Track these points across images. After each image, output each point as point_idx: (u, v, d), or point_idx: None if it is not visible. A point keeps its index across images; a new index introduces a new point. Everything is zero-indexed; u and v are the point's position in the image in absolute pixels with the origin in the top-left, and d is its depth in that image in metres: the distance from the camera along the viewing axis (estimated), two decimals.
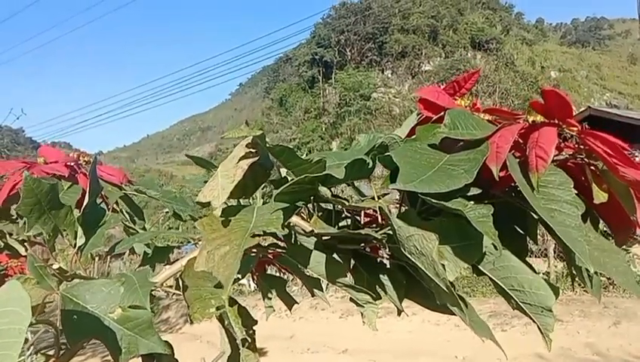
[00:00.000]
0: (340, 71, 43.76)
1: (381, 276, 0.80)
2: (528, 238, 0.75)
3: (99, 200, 0.90)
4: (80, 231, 0.70)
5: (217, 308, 0.58)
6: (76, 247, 0.69)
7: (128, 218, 1.00)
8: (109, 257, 0.90)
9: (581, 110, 17.74)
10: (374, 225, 0.83)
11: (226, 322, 0.62)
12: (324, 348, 6.70)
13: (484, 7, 52.73)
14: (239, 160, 0.65)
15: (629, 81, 57.87)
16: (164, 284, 0.68)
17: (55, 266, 0.66)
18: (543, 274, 7.93)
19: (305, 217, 0.75)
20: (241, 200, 0.75)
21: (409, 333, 6.21)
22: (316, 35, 47.22)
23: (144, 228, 0.99)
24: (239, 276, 0.69)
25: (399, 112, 38.44)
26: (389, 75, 45.37)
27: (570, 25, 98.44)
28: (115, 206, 0.96)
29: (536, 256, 8.29)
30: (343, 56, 45.62)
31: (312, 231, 0.69)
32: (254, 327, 0.82)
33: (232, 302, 0.66)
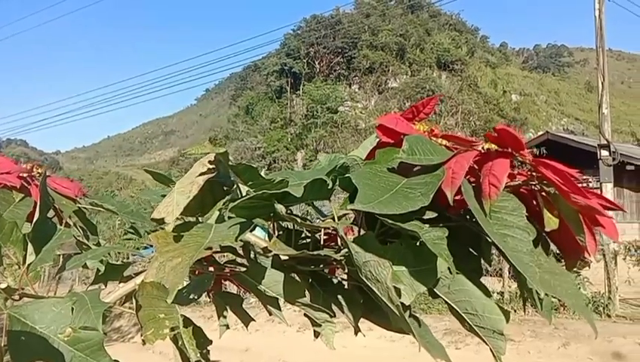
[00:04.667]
0: (308, 83, 43.91)
1: (339, 296, 0.80)
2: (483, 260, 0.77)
3: (52, 214, 0.87)
4: (30, 248, 0.67)
5: (172, 329, 0.57)
6: (26, 265, 0.66)
7: (81, 233, 0.97)
8: (60, 260, 0.87)
9: (539, 134, 18.42)
10: (334, 244, 0.83)
11: (180, 342, 0.61)
12: None
13: (450, 29, 54.11)
14: (197, 176, 0.65)
15: (585, 108, 60.29)
16: (118, 303, 0.67)
17: (3, 286, 0.63)
18: (498, 293, 8.10)
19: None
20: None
21: (364, 348, 6.22)
22: (286, 46, 47.34)
23: (98, 244, 0.97)
24: (196, 297, 0.68)
25: (365, 127, 38.82)
26: (356, 90, 45.87)
27: (532, 50, 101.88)
28: (68, 220, 0.93)
29: (491, 276, 8.47)
30: (311, 68, 45.86)
31: (268, 249, 0.69)
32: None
33: (187, 322, 0.65)
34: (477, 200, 0.62)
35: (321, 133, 38.49)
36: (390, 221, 0.60)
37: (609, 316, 7.40)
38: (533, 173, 0.67)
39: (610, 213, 0.68)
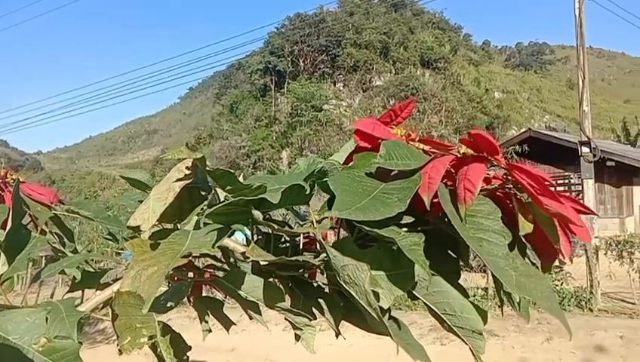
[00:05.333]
0: (292, 81, 43.81)
1: (319, 299, 0.81)
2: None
3: (27, 221, 0.86)
4: (3, 258, 0.66)
5: (149, 338, 0.56)
6: None
7: (57, 240, 0.95)
8: (43, 261, 0.85)
9: (522, 131, 18.65)
10: (314, 247, 0.84)
11: (158, 350, 0.61)
12: (266, 361, 6.63)
13: (434, 27, 54.42)
14: (173, 182, 0.64)
15: (566, 105, 61.19)
16: (95, 311, 0.66)
17: None
18: (482, 289, 8.17)
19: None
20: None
21: (350, 347, 6.22)
22: (270, 44, 47.15)
23: (75, 251, 0.95)
24: (173, 304, 0.68)
25: (349, 125, 38.79)
26: (341, 88, 45.89)
27: (515, 48, 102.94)
28: (44, 227, 0.92)
29: (475, 272, 8.54)
30: (296, 67, 45.74)
31: (247, 255, 0.69)
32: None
33: (166, 330, 0.64)
34: (453, 205, 0.63)
35: (306, 132, 38.44)
36: (367, 227, 0.60)
37: (591, 310, 7.51)
38: (509, 177, 0.67)
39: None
